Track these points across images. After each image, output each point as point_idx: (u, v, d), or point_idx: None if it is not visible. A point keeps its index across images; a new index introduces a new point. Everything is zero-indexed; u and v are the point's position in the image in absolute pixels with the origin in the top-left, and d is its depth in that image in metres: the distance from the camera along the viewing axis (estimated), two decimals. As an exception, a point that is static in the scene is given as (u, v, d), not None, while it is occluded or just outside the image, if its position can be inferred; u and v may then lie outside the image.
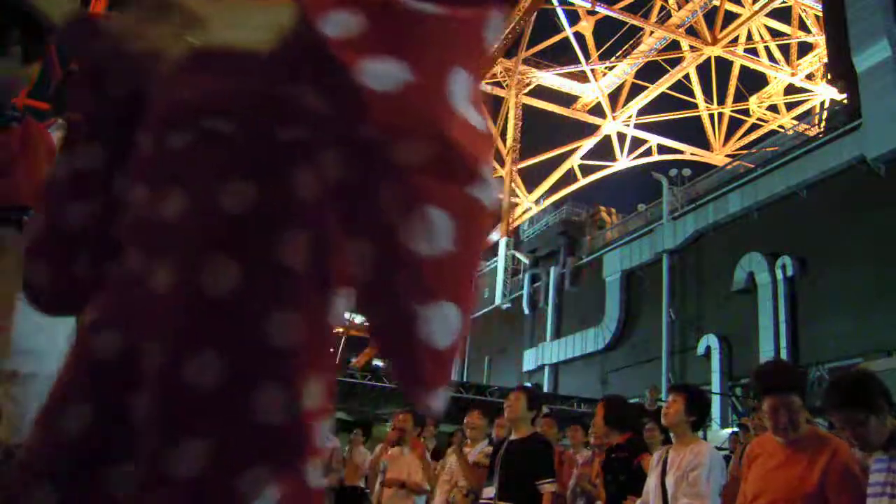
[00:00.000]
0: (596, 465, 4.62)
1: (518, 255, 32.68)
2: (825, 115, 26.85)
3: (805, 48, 36.77)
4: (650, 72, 36.81)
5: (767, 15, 35.45)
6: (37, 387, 1.70)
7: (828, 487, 2.35)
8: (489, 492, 4.19)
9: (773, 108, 38.26)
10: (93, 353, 0.82)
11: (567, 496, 4.74)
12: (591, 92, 36.73)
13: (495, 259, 34.06)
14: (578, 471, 4.80)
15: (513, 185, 33.99)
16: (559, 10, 35.47)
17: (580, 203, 32.64)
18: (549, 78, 36.92)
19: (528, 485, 3.86)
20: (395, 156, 0.73)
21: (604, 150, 35.89)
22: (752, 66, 36.44)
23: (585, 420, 6.96)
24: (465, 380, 30.69)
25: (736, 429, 9.32)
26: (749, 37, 36.69)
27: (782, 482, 2.46)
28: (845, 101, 21.07)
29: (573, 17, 35.96)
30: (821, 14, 28.46)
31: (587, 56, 36.07)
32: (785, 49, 37.11)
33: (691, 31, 34.68)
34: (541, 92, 37.25)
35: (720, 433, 15.75)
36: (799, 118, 34.78)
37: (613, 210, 31.55)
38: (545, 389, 26.17)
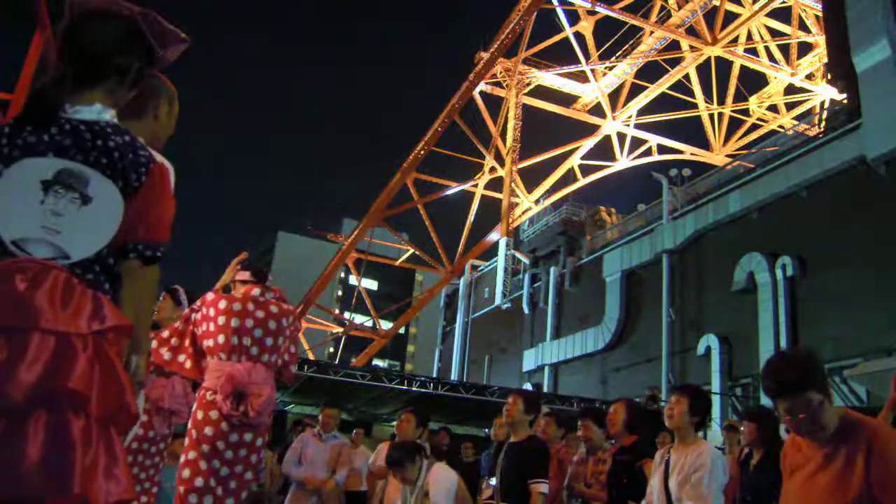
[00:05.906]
0: (590, 464, 4.62)
1: (518, 255, 32.66)
2: (825, 115, 26.86)
3: (805, 48, 36.75)
4: (650, 72, 36.83)
5: (767, 15, 35.41)
6: None
7: (877, 486, 1.91)
8: (489, 493, 4.29)
9: (773, 108, 38.22)
10: None
11: (562, 496, 4.67)
12: (591, 92, 36.70)
13: (495, 259, 34.02)
14: (572, 470, 4.73)
15: (513, 185, 33.95)
16: (559, 10, 35.41)
17: (580, 203, 32.63)
18: (549, 78, 36.90)
19: (525, 486, 4.01)
20: None
21: (604, 150, 35.86)
22: (752, 66, 36.40)
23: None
24: (465, 380, 30.73)
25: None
26: (749, 37, 36.67)
27: (821, 490, 2.05)
28: (845, 101, 21.07)
29: (573, 17, 35.94)
30: (821, 14, 28.43)
31: (587, 56, 36.03)
32: (785, 49, 37.10)
33: (691, 31, 34.65)
34: (541, 92, 37.23)
35: (720, 433, 15.74)
36: (799, 118, 34.77)
37: (613, 210, 31.52)
38: (545, 389, 26.17)
